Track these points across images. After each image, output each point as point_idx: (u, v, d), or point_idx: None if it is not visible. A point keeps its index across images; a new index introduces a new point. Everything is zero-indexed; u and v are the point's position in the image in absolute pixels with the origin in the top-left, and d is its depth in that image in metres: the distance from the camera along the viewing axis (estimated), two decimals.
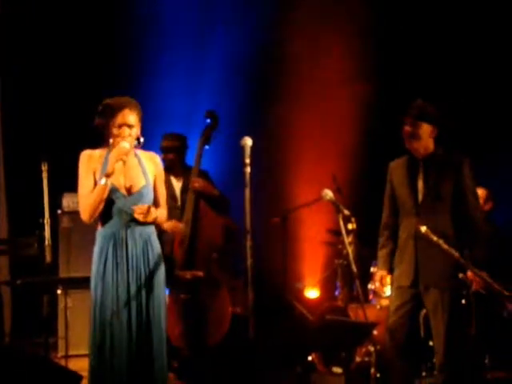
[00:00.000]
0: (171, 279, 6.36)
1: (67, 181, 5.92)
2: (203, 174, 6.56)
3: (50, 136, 7.62)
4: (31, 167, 6.62)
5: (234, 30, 8.23)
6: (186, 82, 8.22)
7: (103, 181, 4.26)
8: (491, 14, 7.61)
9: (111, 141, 4.37)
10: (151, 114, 7.50)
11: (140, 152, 4.54)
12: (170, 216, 6.35)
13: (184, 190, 6.49)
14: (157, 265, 4.44)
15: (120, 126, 4.35)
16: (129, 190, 4.39)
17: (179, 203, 6.51)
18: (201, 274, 6.30)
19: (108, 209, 4.35)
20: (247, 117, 8.06)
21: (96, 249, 4.42)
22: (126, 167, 4.37)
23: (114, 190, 4.33)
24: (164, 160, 6.21)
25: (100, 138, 4.47)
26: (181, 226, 6.24)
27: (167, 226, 6.24)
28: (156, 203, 4.52)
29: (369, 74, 8.02)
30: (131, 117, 4.37)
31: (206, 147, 6.47)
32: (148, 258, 4.41)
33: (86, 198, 4.34)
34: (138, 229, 4.39)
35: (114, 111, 4.36)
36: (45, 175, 6.31)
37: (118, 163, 4.29)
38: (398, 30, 7.94)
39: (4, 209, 7.79)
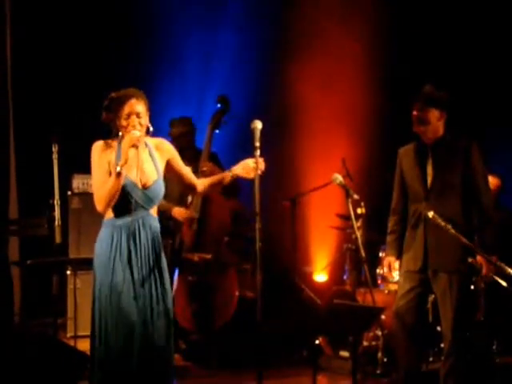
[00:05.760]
0: (180, 261, 6.42)
1: (77, 162, 5.94)
2: (213, 158, 6.59)
3: (61, 117, 7.61)
4: (41, 148, 6.63)
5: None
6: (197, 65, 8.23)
7: (118, 169, 4.22)
8: None
9: (121, 133, 4.33)
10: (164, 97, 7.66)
11: (149, 140, 4.49)
12: (181, 201, 6.41)
13: (195, 173, 6.50)
14: (161, 254, 4.43)
15: (128, 116, 4.31)
16: (144, 185, 4.37)
17: None
18: (209, 256, 6.36)
19: (121, 200, 4.32)
20: (257, 100, 8.04)
21: (105, 238, 4.34)
22: (139, 161, 4.34)
23: (128, 183, 4.30)
24: (175, 146, 6.22)
25: (109, 133, 4.42)
26: (188, 213, 6.31)
27: (175, 212, 6.32)
28: (189, 181, 4.68)
29: (384, 58, 8.01)
30: (139, 106, 4.33)
31: (216, 131, 6.51)
32: (156, 249, 4.40)
33: (101, 189, 4.27)
34: (149, 221, 4.39)
35: (120, 103, 4.30)
36: (55, 156, 6.31)
37: (130, 151, 4.26)
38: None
39: (14, 189, 7.81)
